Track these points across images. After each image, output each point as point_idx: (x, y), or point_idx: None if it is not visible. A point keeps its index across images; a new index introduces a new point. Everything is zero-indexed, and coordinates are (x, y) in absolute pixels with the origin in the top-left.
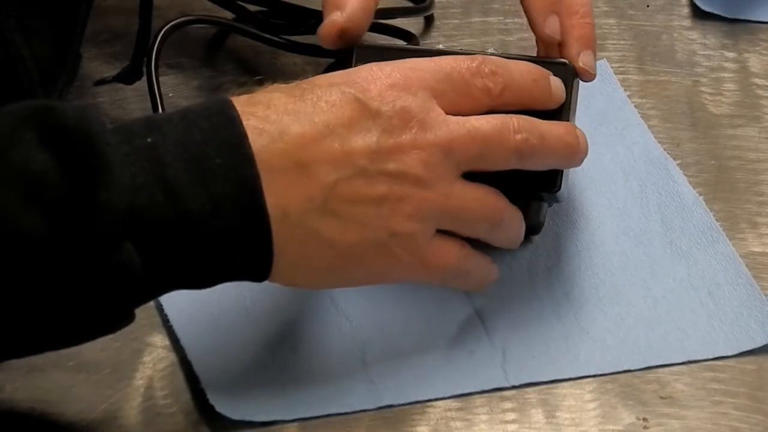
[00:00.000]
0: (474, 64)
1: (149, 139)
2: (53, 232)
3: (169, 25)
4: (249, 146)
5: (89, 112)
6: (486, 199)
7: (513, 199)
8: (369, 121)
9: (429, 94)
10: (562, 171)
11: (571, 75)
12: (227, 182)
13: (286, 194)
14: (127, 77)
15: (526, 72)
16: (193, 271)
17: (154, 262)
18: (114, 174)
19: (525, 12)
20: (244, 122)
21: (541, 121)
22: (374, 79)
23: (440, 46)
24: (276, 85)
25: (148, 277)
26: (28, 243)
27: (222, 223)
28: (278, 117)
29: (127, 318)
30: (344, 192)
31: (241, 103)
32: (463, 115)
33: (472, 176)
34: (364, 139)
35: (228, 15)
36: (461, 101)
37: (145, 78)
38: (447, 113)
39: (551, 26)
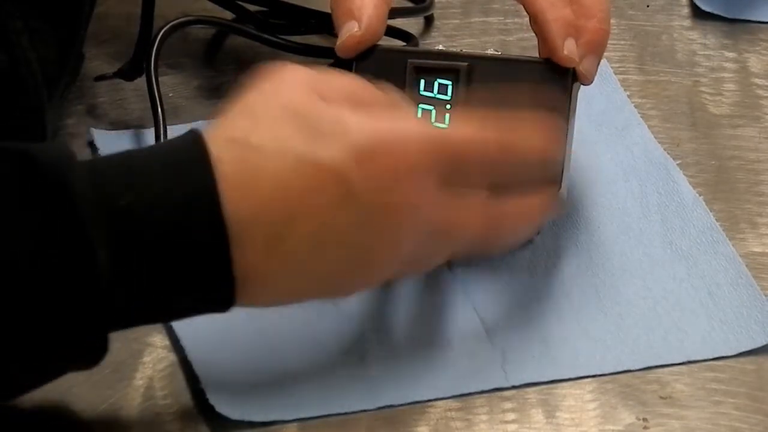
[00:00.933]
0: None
1: (122, 202)
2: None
3: (169, 25)
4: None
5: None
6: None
7: None
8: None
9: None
10: (561, 171)
11: (570, 77)
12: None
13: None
14: (128, 74)
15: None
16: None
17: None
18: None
19: (541, 34)
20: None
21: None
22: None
23: (440, 47)
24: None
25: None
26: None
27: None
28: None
29: (101, 346)
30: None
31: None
32: None
33: None
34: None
35: (228, 15)
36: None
37: (143, 78)
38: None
39: (570, 48)
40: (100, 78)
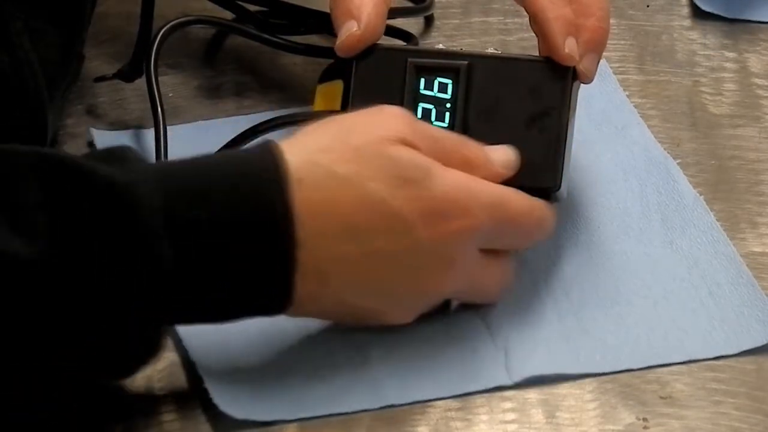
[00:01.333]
0: None
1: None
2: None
3: (168, 25)
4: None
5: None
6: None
7: None
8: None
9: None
10: (561, 170)
11: (570, 75)
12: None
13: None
14: (127, 75)
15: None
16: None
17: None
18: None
19: (541, 33)
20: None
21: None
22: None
23: (440, 46)
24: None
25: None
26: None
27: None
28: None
29: (159, 341)
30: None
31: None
32: None
33: None
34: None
35: (228, 15)
36: None
37: (143, 78)
38: None
39: (570, 46)
40: (100, 79)
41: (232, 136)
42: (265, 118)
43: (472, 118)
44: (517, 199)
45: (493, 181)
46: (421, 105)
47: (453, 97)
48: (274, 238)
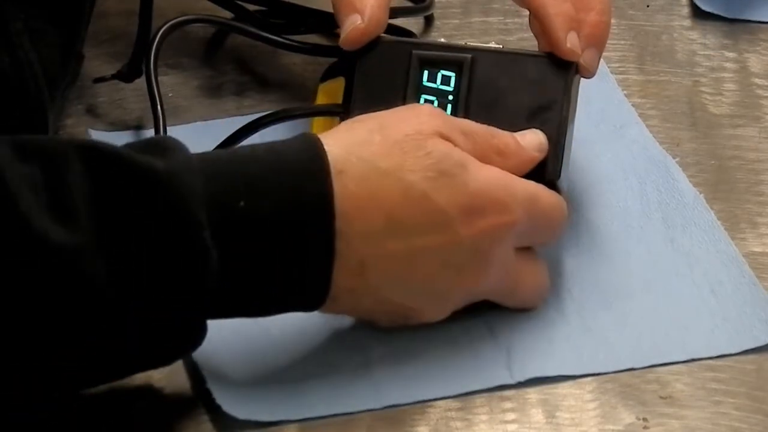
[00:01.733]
0: None
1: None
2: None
3: (168, 25)
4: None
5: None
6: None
7: None
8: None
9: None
10: (560, 160)
11: (572, 70)
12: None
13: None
14: (127, 75)
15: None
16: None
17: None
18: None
19: (542, 29)
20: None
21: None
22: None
23: (441, 39)
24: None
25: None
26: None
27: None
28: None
29: (201, 330)
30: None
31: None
32: None
33: None
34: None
35: (228, 15)
36: None
37: (143, 78)
38: None
39: (572, 41)
40: (99, 80)
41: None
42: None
43: (474, 110)
44: (547, 194)
45: (527, 166)
46: (424, 96)
47: (455, 90)
48: (315, 228)
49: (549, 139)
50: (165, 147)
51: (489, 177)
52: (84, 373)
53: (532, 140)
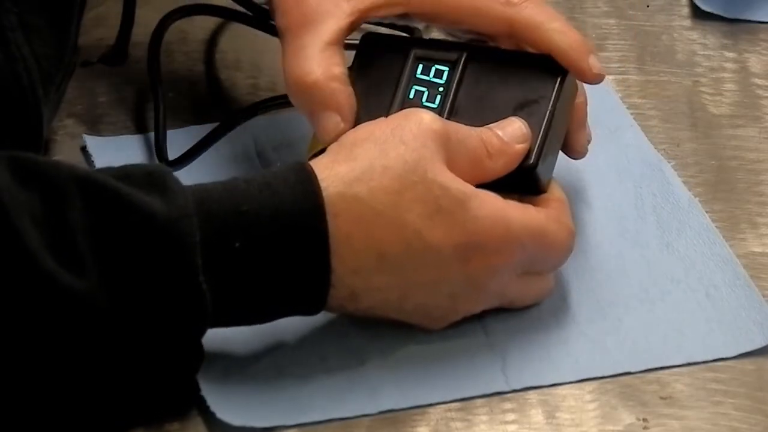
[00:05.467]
0: None
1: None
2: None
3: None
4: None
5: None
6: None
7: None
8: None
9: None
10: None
11: (561, 73)
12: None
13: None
14: (111, 59)
15: None
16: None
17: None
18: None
19: (561, 61)
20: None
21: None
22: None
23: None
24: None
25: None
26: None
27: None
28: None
29: (198, 353)
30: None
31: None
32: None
33: None
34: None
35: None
36: None
37: (143, 77)
38: None
39: (594, 64)
40: (85, 64)
41: (230, 136)
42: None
43: (462, 101)
44: (554, 228)
45: (515, 162)
46: (415, 87)
47: (447, 83)
48: (310, 271)
49: (532, 126)
50: (164, 185)
51: (489, 214)
52: (91, 412)
53: (514, 132)
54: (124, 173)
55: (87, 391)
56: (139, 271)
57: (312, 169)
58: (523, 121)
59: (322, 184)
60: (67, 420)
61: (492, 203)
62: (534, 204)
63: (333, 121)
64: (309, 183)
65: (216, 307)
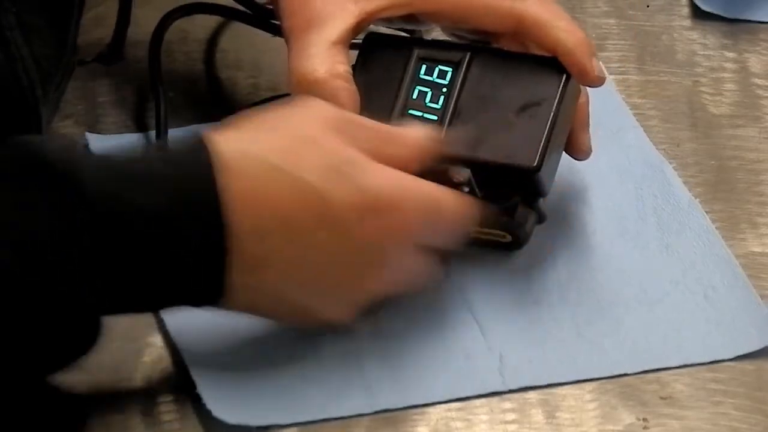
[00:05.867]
0: None
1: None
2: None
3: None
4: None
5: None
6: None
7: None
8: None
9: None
10: (542, 153)
11: (565, 74)
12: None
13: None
14: (107, 58)
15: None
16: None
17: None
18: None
19: (564, 60)
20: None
21: None
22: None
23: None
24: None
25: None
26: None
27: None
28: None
29: (97, 331)
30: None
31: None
32: None
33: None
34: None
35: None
36: None
37: (143, 77)
38: None
39: (597, 67)
40: (80, 62)
41: None
42: None
43: (465, 102)
44: (451, 198)
45: (421, 158)
46: (418, 88)
47: (450, 83)
48: (206, 226)
49: (534, 129)
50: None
51: (386, 178)
52: None
53: (417, 131)
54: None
55: None
56: (31, 216)
57: (207, 134)
58: (427, 127)
59: (217, 146)
60: None
61: (388, 171)
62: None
63: None
64: (200, 144)
65: (111, 267)
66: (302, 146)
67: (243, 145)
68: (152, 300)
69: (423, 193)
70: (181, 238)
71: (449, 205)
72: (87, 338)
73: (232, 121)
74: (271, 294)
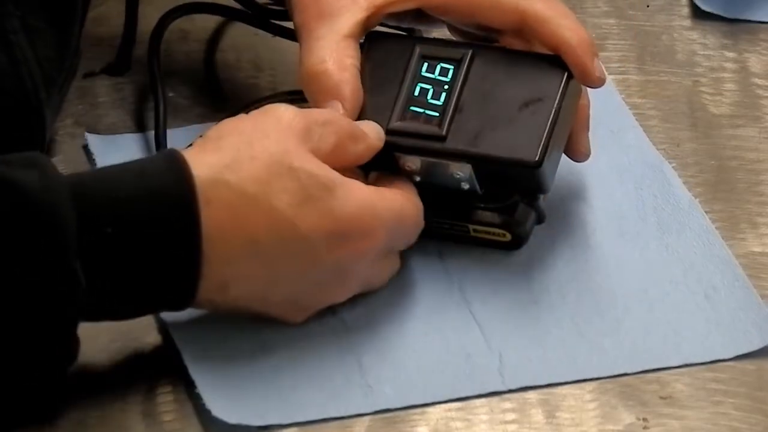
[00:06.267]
0: None
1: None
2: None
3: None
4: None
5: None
6: None
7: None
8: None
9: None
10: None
11: (566, 73)
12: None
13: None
14: (115, 69)
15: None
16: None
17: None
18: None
19: (567, 59)
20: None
21: None
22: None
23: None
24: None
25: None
26: None
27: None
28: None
29: (72, 347)
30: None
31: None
32: None
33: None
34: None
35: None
36: None
37: (143, 77)
38: None
39: (599, 68)
40: (89, 75)
41: None
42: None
43: (467, 99)
44: (410, 207)
45: (371, 153)
46: (420, 85)
47: (452, 81)
48: (181, 258)
49: (536, 125)
50: (43, 169)
51: (356, 200)
52: None
53: (372, 128)
54: (2, 159)
55: None
56: (12, 247)
57: (183, 156)
58: (378, 126)
59: (195, 171)
60: None
61: (358, 190)
62: (386, 186)
63: (334, 107)
64: (180, 169)
65: (89, 294)
66: (277, 176)
67: (218, 174)
68: (124, 313)
69: (389, 210)
70: (158, 267)
71: (411, 211)
72: (63, 355)
73: (210, 137)
74: (232, 306)
